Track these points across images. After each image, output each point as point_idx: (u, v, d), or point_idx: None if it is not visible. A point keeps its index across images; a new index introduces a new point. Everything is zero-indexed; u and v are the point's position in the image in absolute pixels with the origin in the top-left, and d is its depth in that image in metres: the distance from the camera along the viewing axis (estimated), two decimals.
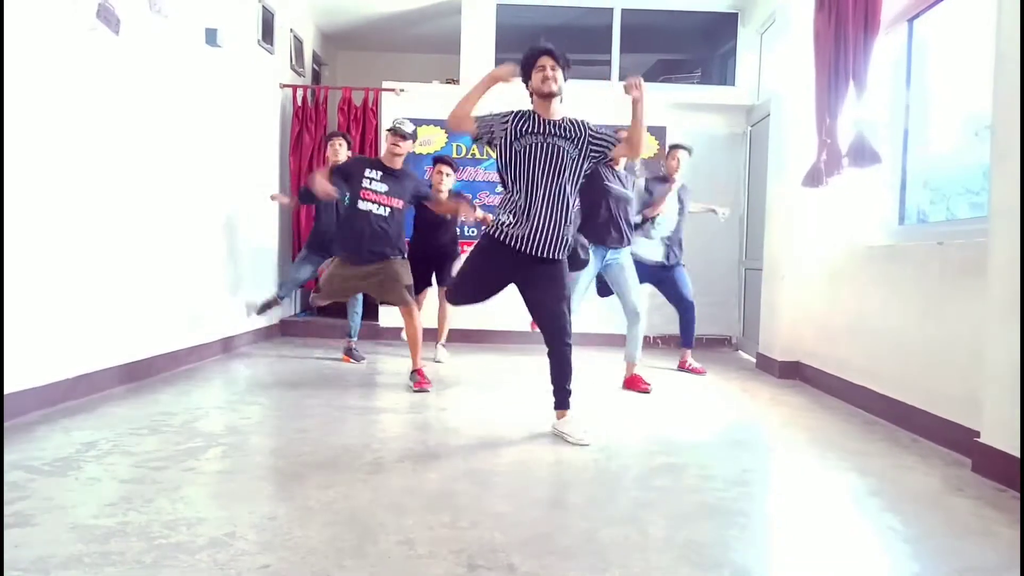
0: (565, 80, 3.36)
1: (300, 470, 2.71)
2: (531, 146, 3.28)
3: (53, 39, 3.46)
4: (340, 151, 5.39)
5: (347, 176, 4.50)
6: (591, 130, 3.39)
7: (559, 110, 3.39)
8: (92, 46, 3.76)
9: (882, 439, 3.47)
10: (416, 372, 4.43)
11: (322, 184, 4.40)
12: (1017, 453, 2.68)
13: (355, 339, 5.51)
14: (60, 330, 3.58)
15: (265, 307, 5.55)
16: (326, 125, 6.93)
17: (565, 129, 3.34)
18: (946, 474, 2.91)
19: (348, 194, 4.57)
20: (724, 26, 6.88)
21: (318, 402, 3.94)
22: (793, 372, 5.10)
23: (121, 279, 4.09)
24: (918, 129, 4.30)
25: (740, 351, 6.57)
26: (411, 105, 6.68)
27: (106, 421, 3.34)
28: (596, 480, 2.74)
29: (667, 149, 5.51)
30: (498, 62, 6.71)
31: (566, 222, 3.33)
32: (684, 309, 5.42)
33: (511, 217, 3.31)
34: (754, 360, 5.83)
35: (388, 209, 4.45)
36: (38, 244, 3.39)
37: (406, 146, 4.47)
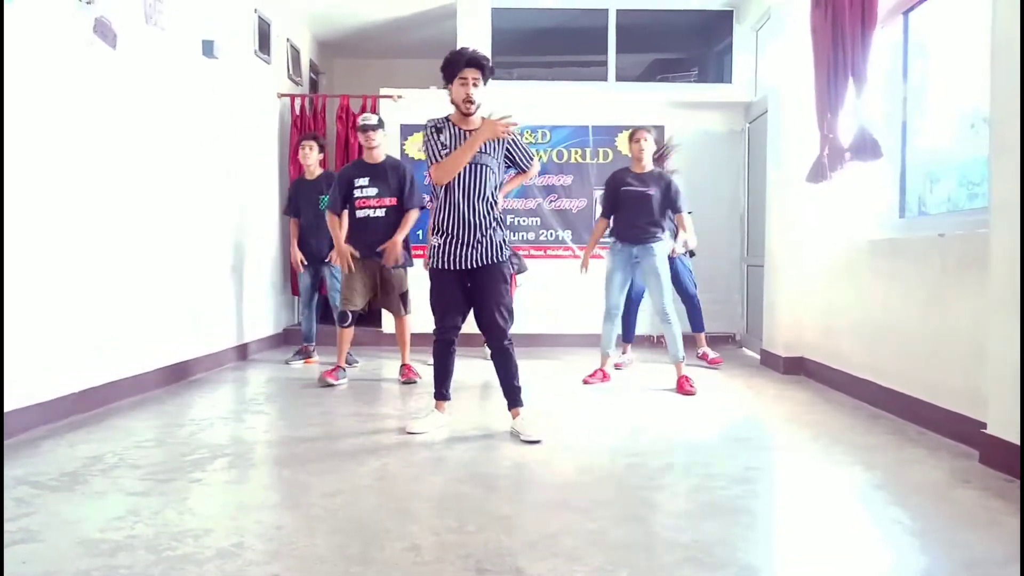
0: (484, 85, 3.40)
1: (305, 478, 2.72)
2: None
3: (51, 54, 3.48)
4: (310, 155, 5.49)
5: (344, 195, 4.71)
6: (509, 141, 3.44)
7: (477, 119, 3.42)
8: (90, 60, 3.78)
9: (888, 433, 3.46)
10: (404, 366, 4.82)
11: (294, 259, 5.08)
12: None
13: (312, 344, 5.67)
14: (64, 344, 3.58)
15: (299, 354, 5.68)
16: (324, 134, 6.94)
17: (486, 143, 3.37)
18: (953, 466, 2.90)
19: (348, 206, 4.81)
20: (719, 24, 6.88)
21: (322, 410, 3.94)
22: (797, 368, 5.09)
23: (123, 292, 4.09)
24: (916, 122, 4.29)
25: (744, 348, 6.56)
26: (409, 111, 6.68)
27: (111, 434, 3.35)
28: (601, 480, 2.74)
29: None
30: (495, 65, 6.71)
31: (491, 229, 3.39)
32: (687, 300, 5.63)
33: (438, 239, 3.40)
34: (758, 357, 5.82)
35: (383, 210, 4.66)
36: (41, 257, 3.40)
37: (379, 137, 4.66)
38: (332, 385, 4.58)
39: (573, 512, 2.37)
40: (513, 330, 3.29)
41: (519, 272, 3.55)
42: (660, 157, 5.25)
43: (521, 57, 7.28)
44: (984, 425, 2.94)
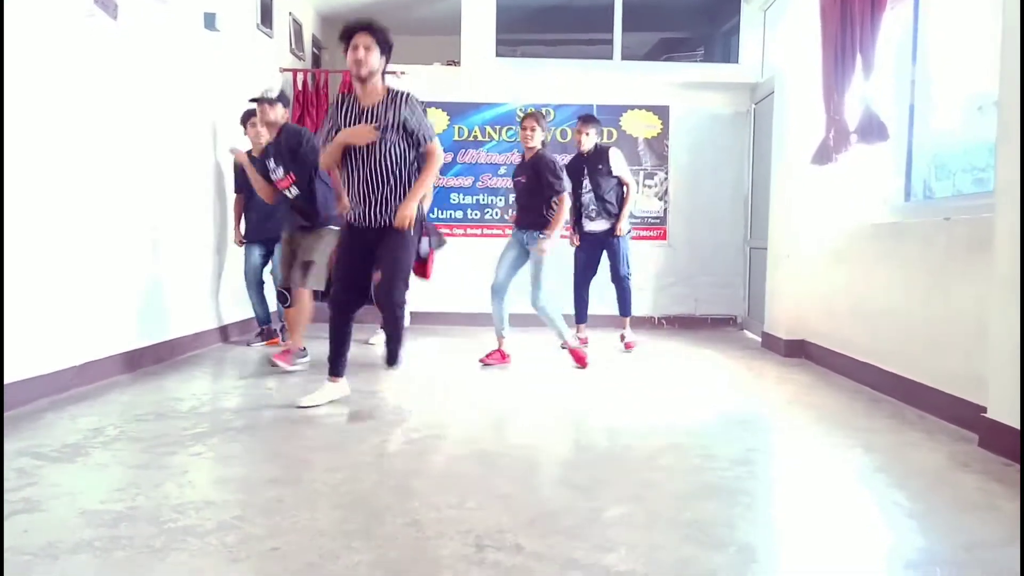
0: (386, 58, 3.31)
1: (307, 454, 2.73)
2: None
3: (51, 26, 3.44)
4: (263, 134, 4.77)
5: (265, 175, 4.39)
6: (407, 116, 3.29)
7: (378, 89, 3.33)
8: (90, 32, 3.73)
9: (888, 416, 3.47)
10: (285, 351, 4.37)
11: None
12: None
13: (270, 324, 5.40)
14: (65, 318, 3.58)
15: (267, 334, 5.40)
16: (326, 109, 6.88)
17: (378, 116, 3.28)
18: (952, 450, 2.90)
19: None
20: (727, 3, 6.79)
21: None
22: (798, 351, 5.09)
23: (124, 266, 4.09)
24: (924, 105, 4.26)
25: (745, 330, 6.56)
26: (412, 87, 6.61)
27: (112, 408, 3.36)
28: (601, 460, 2.75)
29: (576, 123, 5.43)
30: (499, 43, 6.66)
31: (392, 195, 3.34)
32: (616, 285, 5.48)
33: (351, 200, 3.43)
34: (759, 339, 5.82)
35: (296, 189, 4.30)
36: (41, 233, 3.39)
37: (275, 113, 4.28)
38: (279, 366, 4.27)
39: (573, 491, 2.38)
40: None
41: (439, 247, 3.82)
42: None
43: (526, 34, 7.20)
44: (984, 409, 2.94)
